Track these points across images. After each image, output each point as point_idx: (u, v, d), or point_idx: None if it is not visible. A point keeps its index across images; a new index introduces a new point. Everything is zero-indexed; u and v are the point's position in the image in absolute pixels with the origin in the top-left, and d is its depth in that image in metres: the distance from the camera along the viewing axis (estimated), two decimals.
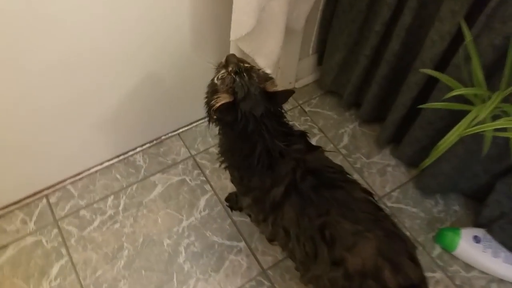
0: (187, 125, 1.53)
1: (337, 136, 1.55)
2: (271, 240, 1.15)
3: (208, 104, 0.92)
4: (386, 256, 0.80)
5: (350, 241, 0.82)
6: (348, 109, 1.61)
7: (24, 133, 1.14)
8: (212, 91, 0.91)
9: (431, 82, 1.15)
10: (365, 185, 1.40)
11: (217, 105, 0.85)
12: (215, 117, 0.91)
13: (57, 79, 1.06)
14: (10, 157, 1.18)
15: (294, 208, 0.89)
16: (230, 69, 0.89)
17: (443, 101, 0.98)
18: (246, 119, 0.87)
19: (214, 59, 1.32)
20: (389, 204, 1.39)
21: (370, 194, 0.91)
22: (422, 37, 1.13)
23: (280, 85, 1.56)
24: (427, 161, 1.03)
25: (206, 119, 0.97)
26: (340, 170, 0.95)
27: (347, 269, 0.82)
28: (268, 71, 1.22)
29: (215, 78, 0.91)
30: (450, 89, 1.08)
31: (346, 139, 1.54)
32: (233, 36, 1.10)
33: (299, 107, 1.63)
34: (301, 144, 0.94)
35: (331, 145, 1.52)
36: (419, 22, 1.14)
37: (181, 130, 1.52)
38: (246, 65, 0.90)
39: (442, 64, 1.10)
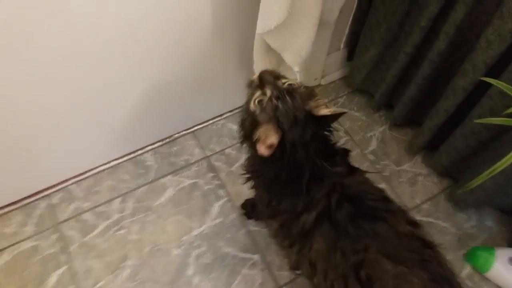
0: (203, 123, 1.40)
1: (365, 140, 1.42)
2: (295, 268, 1.03)
3: (246, 136, 0.78)
4: None
5: (390, 285, 0.70)
6: (378, 111, 1.47)
7: (26, 129, 1.03)
8: (251, 121, 0.76)
9: (482, 88, 1.01)
10: (393, 196, 1.28)
11: (265, 146, 0.72)
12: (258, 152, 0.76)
13: (64, 75, 0.95)
14: (10, 154, 1.06)
15: (325, 239, 0.76)
16: (268, 92, 0.74)
17: (505, 115, 0.84)
18: (294, 148, 0.74)
19: (235, 54, 1.21)
20: (418, 217, 1.27)
21: (417, 225, 0.78)
22: (475, 36, 0.98)
23: (304, 82, 1.44)
24: (477, 181, 0.90)
25: (239, 142, 0.83)
26: (382, 196, 0.82)
27: None
28: (296, 69, 1.09)
29: (251, 103, 0.76)
30: (504, 97, 0.95)
31: (374, 144, 1.41)
32: (260, 29, 0.97)
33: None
34: (343, 165, 0.81)
35: (358, 150, 1.39)
36: (473, 19, 0.99)
37: (195, 128, 1.40)
38: (285, 81, 0.76)
39: (496, 69, 0.96)
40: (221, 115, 1.42)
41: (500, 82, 0.84)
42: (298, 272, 1.12)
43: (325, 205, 0.77)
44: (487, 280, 1.17)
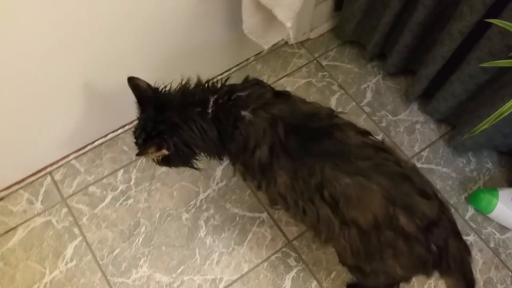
0: None
1: (359, 92, 1.42)
2: (274, 204, 1.11)
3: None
4: (395, 202, 0.74)
5: (353, 197, 0.75)
6: (370, 61, 1.47)
7: (22, 105, 1.01)
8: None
9: (479, 30, 1.00)
10: (392, 145, 1.30)
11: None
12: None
13: (59, 46, 0.92)
14: (8, 133, 1.06)
15: (286, 172, 0.81)
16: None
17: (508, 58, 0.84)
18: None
19: (222, 13, 1.18)
20: (419, 165, 1.30)
21: (367, 133, 0.83)
22: None
23: (293, 37, 1.41)
24: (480, 127, 0.90)
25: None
26: (327, 113, 0.85)
27: (359, 226, 0.77)
28: (288, 24, 1.07)
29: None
30: (503, 38, 0.95)
31: (369, 95, 1.42)
32: None
33: (315, 61, 1.48)
34: (266, 92, 0.87)
35: (354, 103, 1.39)
36: None
37: None
38: None
39: (495, 9, 0.94)
40: (220, 73, 1.41)
41: (504, 22, 0.83)
42: (278, 207, 1.17)
43: (273, 139, 0.81)
44: (490, 220, 1.22)
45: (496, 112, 0.83)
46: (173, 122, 0.84)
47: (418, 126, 1.37)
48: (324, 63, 1.48)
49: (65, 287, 1.11)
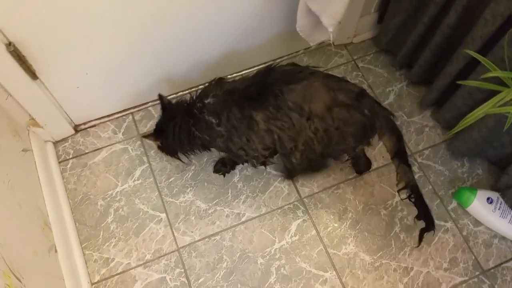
0: (247, 69, 1.73)
1: (384, 93, 1.70)
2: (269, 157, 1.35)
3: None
4: (332, 88, 1.13)
5: (307, 95, 1.12)
6: (399, 69, 1.73)
7: (126, 58, 1.40)
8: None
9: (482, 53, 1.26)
10: None
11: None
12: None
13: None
14: (110, 76, 1.45)
15: (258, 110, 1.15)
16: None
17: (481, 80, 1.11)
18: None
19: (282, 13, 1.50)
20: (419, 160, 1.58)
21: (295, 64, 1.22)
22: (477, 15, 1.22)
23: (338, 40, 1.71)
24: (457, 128, 1.19)
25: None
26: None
27: (318, 115, 1.12)
28: (330, 29, 1.37)
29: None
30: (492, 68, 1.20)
31: (391, 97, 1.69)
32: None
33: (353, 62, 1.77)
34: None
35: None
36: (477, 1, 1.22)
37: (243, 72, 1.73)
38: None
39: (491, 43, 1.21)
40: (265, 63, 1.75)
41: (476, 54, 1.11)
42: (273, 161, 1.38)
43: (235, 100, 1.17)
44: (468, 214, 1.48)
45: (467, 118, 1.10)
46: (168, 124, 1.26)
47: (427, 129, 1.63)
48: (360, 64, 1.77)
49: (131, 197, 1.50)
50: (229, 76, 1.70)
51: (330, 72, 1.38)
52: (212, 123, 1.19)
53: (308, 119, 1.13)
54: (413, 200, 1.25)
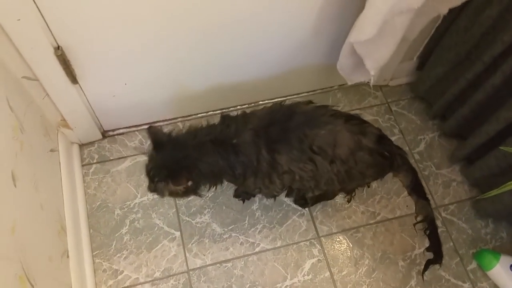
0: (284, 96, 1.73)
1: (415, 141, 1.68)
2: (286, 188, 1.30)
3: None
4: (356, 132, 1.13)
5: (331, 141, 1.11)
6: (432, 119, 1.71)
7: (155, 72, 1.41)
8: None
9: None
10: (427, 192, 1.55)
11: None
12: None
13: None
14: (147, 88, 1.46)
15: (282, 152, 1.11)
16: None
17: None
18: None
19: (325, 48, 1.50)
20: (443, 214, 1.54)
21: (311, 102, 1.18)
22: None
23: (374, 80, 1.70)
24: (493, 193, 1.16)
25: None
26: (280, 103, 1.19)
27: (342, 159, 1.12)
28: (372, 72, 1.37)
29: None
30: None
31: (422, 146, 1.67)
32: (352, 38, 1.25)
33: (386, 104, 1.76)
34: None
35: (407, 148, 1.65)
36: None
37: (276, 100, 1.73)
38: None
39: None
40: (306, 91, 1.75)
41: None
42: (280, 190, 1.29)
43: (260, 141, 1.11)
44: (488, 278, 1.43)
45: (503, 187, 1.07)
46: (194, 157, 1.07)
47: (454, 184, 1.60)
48: (394, 108, 1.75)
49: (148, 210, 1.49)
50: (260, 102, 1.70)
51: (362, 113, 1.37)
52: (243, 162, 1.15)
53: (331, 163, 1.12)
54: (427, 233, 1.28)
